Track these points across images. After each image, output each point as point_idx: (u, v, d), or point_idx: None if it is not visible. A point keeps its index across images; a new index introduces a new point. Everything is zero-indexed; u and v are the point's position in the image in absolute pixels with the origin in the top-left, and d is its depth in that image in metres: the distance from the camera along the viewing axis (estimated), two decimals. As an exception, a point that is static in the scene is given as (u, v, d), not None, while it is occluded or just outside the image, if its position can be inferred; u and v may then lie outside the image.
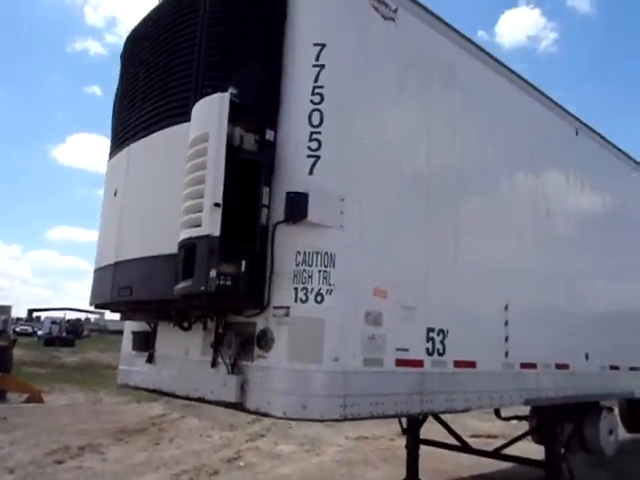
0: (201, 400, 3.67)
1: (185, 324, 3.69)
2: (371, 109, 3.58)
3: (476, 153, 4.48)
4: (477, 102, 4.54)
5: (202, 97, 3.33)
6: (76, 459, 7.40)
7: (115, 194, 4.02)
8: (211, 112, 3.11)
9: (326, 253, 3.18)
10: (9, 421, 9.98)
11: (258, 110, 3.39)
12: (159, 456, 7.76)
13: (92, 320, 79.32)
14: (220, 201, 2.95)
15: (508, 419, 6.99)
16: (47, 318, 47.29)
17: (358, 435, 10.14)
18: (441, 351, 3.78)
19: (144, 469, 6.99)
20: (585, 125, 6.08)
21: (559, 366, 5.03)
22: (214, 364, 3.46)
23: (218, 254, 2.92)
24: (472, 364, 4.05)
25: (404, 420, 6.87)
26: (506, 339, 4.43)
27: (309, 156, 3.30)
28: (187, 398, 3.79)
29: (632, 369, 6.29)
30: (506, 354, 4.41)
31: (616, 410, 11.99)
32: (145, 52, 4.04)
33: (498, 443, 6.68)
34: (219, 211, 2.94)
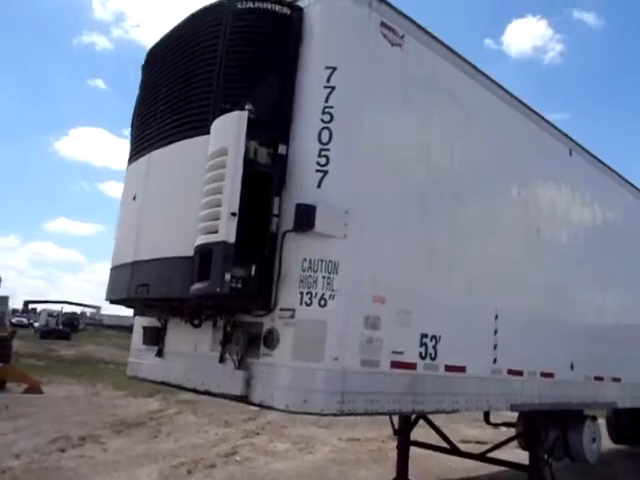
0: (207, 393, 3.94)
1: (196, 321, 3.96)
2: (376, 128, 3.85)
3: (472, 169, 4.76)
4: (475, 122, 4.82)
5: (221, 112, 3.62)
6: (78, 448, 7.66)
7: (134, 198, 4.30)
8: (230, 128, 3.39)
9: (330, 261, 3.46)
10: (10, 410, 10.23)
11: (272, 126, 3.67)
12: (157, 448, 8.02)
13: (88, 314, 79.38)
14: (236, 210, 3.23)
15: (497, 425, 7.24)
16: (44, 310, 47.44)
17: (351, 436, 10.40)
18: (433, 355, 4.05)
19: (143, 460, 7.25)
20: (579, 146, 6.37)
21: (544, 374, 5.30)
22: (222, 360, 3.73)
23: (233, 259, 3.20)
24: (462, 369, 4.32)
25: (396, 422, 7.15)
26: (495, 347, 4.69)
27: (318, 171, 3.58)
28: (194, 391, 4.07)
29: (615, 380, 6.56)
30: (494, 361, 4.68)
31: (603, 421, 12.34)
32: (167, 66, 4.31)
33: (486, 448, 6.92)
34: (235, 220, 3.22)
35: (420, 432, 7.30)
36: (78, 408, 11.15)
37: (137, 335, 4.86)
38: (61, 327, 43.70)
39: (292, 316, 3.42)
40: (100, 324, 72.45)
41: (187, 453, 7.80)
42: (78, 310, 65.34)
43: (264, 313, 3.53)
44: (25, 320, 54.69)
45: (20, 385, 13.21)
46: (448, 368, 4.18)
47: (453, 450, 6.94)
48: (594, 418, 6.58)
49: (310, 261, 3.47)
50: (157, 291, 3.85)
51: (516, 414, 6.52)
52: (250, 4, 3.88)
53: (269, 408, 3.48)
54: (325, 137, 3.62)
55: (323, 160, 3.58)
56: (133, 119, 4.84)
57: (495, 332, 4.72)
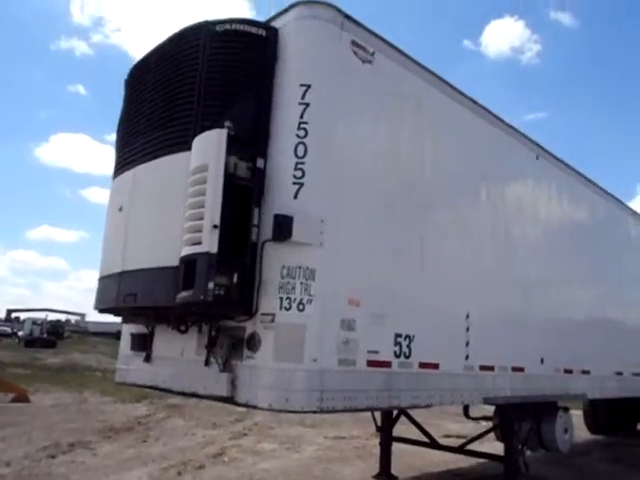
0: (194, 395, 4.15)
1: (182, 327, 4.17)
2: (348, 141, 4.10)
3: (441, 176, 5.03)
4: (443, 131, 5.11)
5: (202, 130, 3.84)
6: (68, 454, 7.78)
7: (120, 210, 4.49)
8: (210, 145, 3.62)
9: (307, 268, 3.70)
10: (-1, 419, 10.28)
11: (251, 141, 3.89)
12: (147, 452, 8.17)
13: (72, 322, 78.63)
14: (218, 223, 3.46)
15: (476, 419, 7.52)
16: (28, 319, 46.91)
17: (336, 435, 10.65)
18: (407, 354, 4.31)
19: (133, 464, 7.40)
20: (546, 151, 6.69)
21: (515, 369, 5.60)
22: (207, 363, 3.95)
23: (215, 268, 3.42)
24: (435, 366, 4.59)
25: (379, 419, 7.41)
26: (467, 344, 4.97)
27: (294, 183, 3.81)
28: (182, 393, 4.28)
29: (585, 372, 6.89)
30: (466, 357, 4.95)
31: (579, 413, 12.75)
32: (150, 83, 4.51)
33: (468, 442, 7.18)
34: (217, 231, 3.45)
35: (403, 428, 7.57)
36: (66, 415, 11.22)
37: (125, 342, 5.05)
38: (46, 335, 43.30)
39: (272, 320, 3.65)
40: (85, 331, 71.77)
41: (176, 455, 7.97)
42: (62, 318, 64.75)
43: (246, 318, 3.76)
44: (8, 329, 54.03)
45: (7, 394, 13.20)
46: (422, 365, 4.44)
47: (433, 444, 7.22)
48: (566, 409, 6.90)
49: (288, 268, 3.70)
50: (144, 300, 4.05)
51: (493, 407, 6.81)
52: (227, 26, 4.10)
53: (253, 407, 3.70)
54: (301, 151, 3.86)
55: (299, 173, 3.82)
56: (118, 133, 5.03)
57: (467, 330, 5.00)
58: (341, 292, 3.84)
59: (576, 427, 12.50)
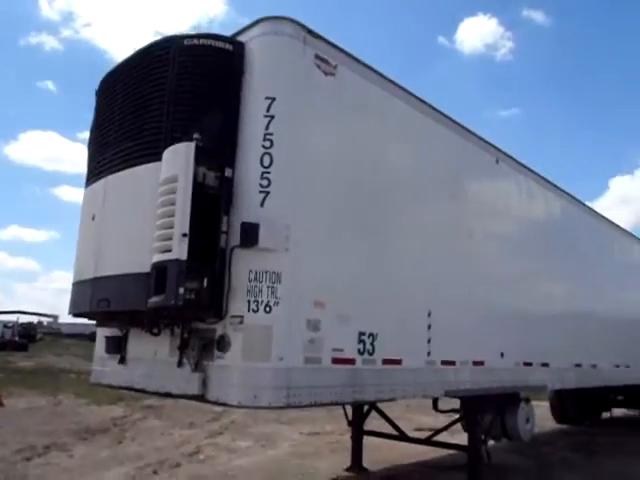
0: (168, 395, 4.33)
1: (155, 330, 4.34)
2: (312, 151, 4.32)
3: (404, 181, 5.28)
4: (404, 138, 5.38)
5: (171, 141, 4.01)
6: (43, 457, 7.84)
7: (93, 218, 4.63)
8: (179, 157, 3.80)
9: (274, 272, 3.91)
10: (-29, 424, 10.23)
11: (219, 152, 4.08)
12: (123, 452, 8.29)
13: (45, 323, 77.17)
14: (187, 231, 3.65)
15: (444, 412, 7.81)
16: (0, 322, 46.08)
17: (311, 431, 10.90)
18: (371, 351, 4.56)
19: (110, 464, 7.52)
20: (506, 154, 7.02)
21: (476, 363, 5.90)
22: (180, 364, 4.13)
23: (185, 274, 3.61)
24: (398, 362, 4.85)
25: (350, 414, 7.67)
26: (429, 341, 5.25)
27: (260, 191, 4.02)
28: (156, 393, 4.45)
29: (544, 365, 7.25)
30: (428, 353, 5.23)
31: (547, 404, 13.23)
32: (120, 95, 4.66)
33: (438, 435, 7.47)
34: (186, 240, 3.64)
35: (379, 423, 7.84)
36: (41, 418, 11.21)
37: (100, 344, 5.19)
38: (17, 338, 42.59)
39: (241, 322, 3.86)
40: (58, 333, 70.58)
41: (152, 455, 8.10)
42: (34, 320, 63.56)
43: (216, 320, 3.95)
44: (-23, 332, 52.82)
45: (-21, 399, 13.11)
46: (385, 362, 4.69)
47: (402, 437, 7.51)
48: (528, 400, 7.24)
49: (256, 272, 3.91)
50: (117, 304, 4.21)
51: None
52: (195, 41, 4.28)
53: (224, 405, 3.92)
54: (267, 161, 4.07)
55: (265, 182, 4.03)
56: (89, 142, 5.16)
57: (429, 327, 5.27)
58: (306, 294, 4.06)
59: (543, 417, 13.08)
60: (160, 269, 3.74)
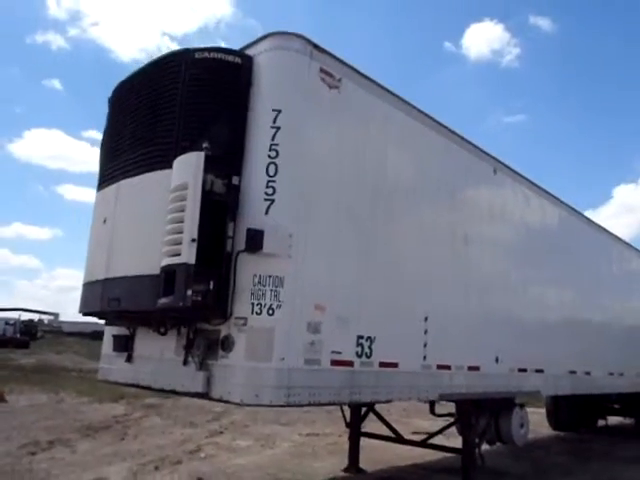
0: (173, 392, 4.52)
1: (162, 330, 4.54)
2: (316, 161, 4.52)
3: (404, 190, 5.46)
4: (405, 148, 5.57)
5: (181, 150, 4.21)
6: (48, 451, 8.04)
7: (105, 222, 4.83)
8: (189, 166, 4.00)
9: (277, 276, 4.10)
10: (-24, 419, 10.43)
11: (226, 160, 4.28)
12: (125, 449, 8.47)
13: (46, 321, 77.43)
14: (196, 237, 3.85)
15: (441, 415, 7.98)
16: (1, 319, 46.33)
17: (310, 432, 11.06)
18: (369, 354, 4.74)
19: (112, 460, 7.70)
20: (504, 165, 7.21)
21: (471, 368, 6.07)
22: (185, 362, 4.32)
23: (193, 277, 3.81)
24: (395, 365, 5.03)
25: (348, 416, 7.85)
26: (425, 345, 5.42)
27: (266, 199, 4.22)
28: (162, 390, 4.64)
29: (538, 371, 7.42)
30: (424, 357, 5.40)
31: (543, 411, 13.36)
32: (133, 104, 4.86)
33: (435, 438, 7.63)
34: (194, 244, 3.84)
35: (377, 426, 8.01)
36: (44, 415, 11.40)
37: (107, 342, 5.38)
38: (19, 335, 42.85)
39: (245, 324, 4.05)
40: (59, 331, 70.80)
41: (154, 452, 8.28)
42: (36, 317, 63.81)
43: (221, 321, 4.15)
44: (-20, 329, 53.05)
45: (-18, 395, 13.29)
46: (382, 364, 4.87)
47: (398, 439, 7.68)
48: (522, 406, 7.41)
49: (260, 277, 4.10)
50: (127, 304, 4.41)
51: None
52: (206, 54, 4.49)
53: (227, 402, 4.10)
54: (272, 170, 4.26)
55: (270, 190, 4.23)
56: (101, 148, 5.36)
57: (425, 332, 5.45)
58: (308, 298, 4.25)
59: (539, 424, 13.22)
60: (169, 272, 3.93)
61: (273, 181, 4.24)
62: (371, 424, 8.18)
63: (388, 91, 5.36)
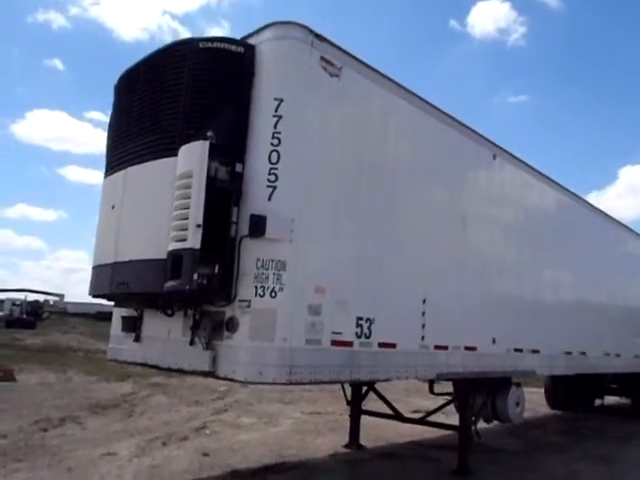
0: (180, 371, 4.73)
1: (169, 312, 4.73)
2: (317, 148, 4.64)
3: (402, 174, 5.59)
4: (405, 136, 5.69)
5: (186, 138, 4.35)
6: (59, 428, 8.32)
7: (113, 207, 5.00)
8: (194, 154, 4.14)
9: (279, 260, 4.27)
10: (-12, 397, 10.73)
11: (230, 148, 4.42)
12: (133, 426, 8.76)
13: (51, 302, 78.16)
14: (201, 222, 4.01)
15: (439, 394, 8.19)
16: (8, 300, 46.91)
17: (313, 411, 11.35)
18: (368, 335, 4.92)
19: (121, 436, 7.98)
20: (504, 150, 7.32)
21: (468, 348, 6.26)
22: (192, 343, 4.52)
23: (199, 261, 3.98)
24: (393, 345, 5.21)
25: (349, 393, 8.09)
26: (423, 326, 5.60)
27: (268, 186, 4.36)
28: (169, 369, 4.85)
29: (534, 352, 7.62)
30: (422, 338, 5.59)
31: (542, 390, 13.62)
32: (138, 92, 4.98)
33: (435, 417, 7.85)
34: (200, 230, 4.00)
35: (379, 405, 8.25)
36: (53, 393, 11.71)
37: (116, 323, 5.59)
38: (25, 316, 43.42)
39: (249, 306, 4.23)
40: (64, 312, 71.52)
41: (161, 429, 8.57)
42: (41, 298, 64.43)
43: (226, 304, 4.33)
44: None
45: (-7, 373, 13.61)
46: (381, 345, 5.06)
47: (397, 416, 7.92)
48: (518, 385, 7.62)
49: (263, 261, 4.27)
50: (135, 287, 4.59)
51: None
52: (210, 44, 4.60)
53: (232, 380, 4.31)
54: (274, 158, 4.40)
55: (273, 177, 4.37)
56: (108, 135, 5.50)
57: (423, 314, 5.62)
58: (309, 281, 4.42)
59: (538, 403, 13.50)
60: (176, 256, 4.10)
61: (275, 168, 4.38)
62: (372, 403, 8.43)
63: (388, 79, 5.45)
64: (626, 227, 11.87)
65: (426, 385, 8.16)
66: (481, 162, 6.89)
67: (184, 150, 4.28)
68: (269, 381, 4.18)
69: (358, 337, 4.84)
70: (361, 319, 4.88)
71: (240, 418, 9.99)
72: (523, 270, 7.59)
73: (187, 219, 4.07)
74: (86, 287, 5.43)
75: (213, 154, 4.22)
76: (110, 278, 4.82)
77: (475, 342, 6.42)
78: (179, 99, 4.58)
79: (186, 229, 4.06)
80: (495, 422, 7.70)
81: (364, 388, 8.07)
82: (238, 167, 4.42)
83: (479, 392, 7.09)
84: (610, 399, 14.57)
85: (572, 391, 13.55)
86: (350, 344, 4.75)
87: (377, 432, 8.95)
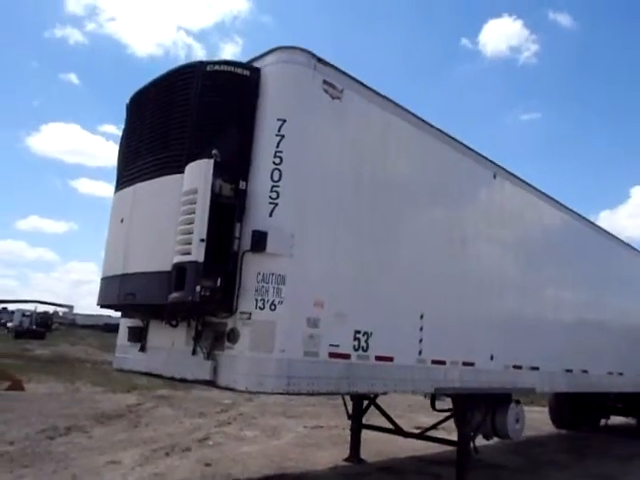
0: (183, 380, 4.89)
1: (173, 322, 4.90)
2: (317, 167, 4.84)
3: (401, 194, 5.74)
4: (405, 156, 5.87)
5: (193, 156, 4.56)
6: (65, 436, 8.49)
7: (122, 221, 5.21)
8: (200, 173, 4.35)
9: (279, 274, 4.44)
10: (-3, 405, 10.93)
11: (234, 166, 4.61)
12: (138, 436, 8.89)
13: (60, 313, 78.80)
14: (205, 237, 4.20)
15: (441, 411, 8.26)
16: (18, 310, 47.41)
17: (315, 425, 11.43)
18: (365, 348, 5.06)
19: (126, 445, 8.12)
20: (504, 170, 7.47)
21: (466, 363, 6.36)
22: (194, 352, 4.68)
23: (202, 274, 4.16)
24: (390, 359, 5.34)
25: (350, 408, 8.19)
26: (420, 341, 5.72)
27: (270, 203, 4.55)
28: (172, 378, 5.01)
29: (534, 369, 7.69)
30: (420, 352, 5.71)
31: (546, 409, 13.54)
32: (149, 111, 5.23)
33: (437, 433, 7.92)
34: (204, 244, 4.19)
35: (379, 420, 8.32)
36: (61, 403, 11.89)
37: (123, 333, 5.77)
38: (35, 327, 43.84)
39: (249, 318, 4.40)
40: (73, 323, 72.04)
41: (165, 439, 8.70)
42: (51, 309, 65.02)
43: (228, 315, 4.49)
44: (-3, 320, 54.30)
45: (2, 383, 13.83)
46: (378, 358, 5.19)
47: (398, 431, 8.00)
48: (518, 402, 7.67)
49: (263, 275, 4.44)
50: (142, 298, 4.78)
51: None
52: (217, 67, 4.83)
53: (232, 390, 4.46)
54: (276, 176, 4.60)
55: (274, 195, 4.56)
56: (119, 151, 5.74)
57: (420, 329, 5.75)
58: (308, 295, 4.58)
59: (543, 422, 13.45)
60: (180, 269, 4.29)
61: (277, 186, 4.57)
62: (374, 418, 8.49)
63: (388, 100, 5.65)
64: (628, 245, 11.92)
65: (429, 402, 8.23)
66: (481, 181, 7.05)
67: (190, 168, 4.49)
68: (268, 391, 4.33)
69: (355, 350, 4.97)
70: (359, 332, 5.02)
71: (243, 431, 10.09)
72: (523, 288, 7.69)
73: (192, 233, 4.26)
74: (95, 299, 5.65)
75: (218, 172, 4.43)
76: (118, 289, 5.02)
77: (473, 358, 6.52)
78: (187, 119, 4.81)
79: (190, 243, 4.25)
80: (498, 439, 7.77)
81: (365, 402, 8.17)
82: (242, 184, 4.62)
83: (478, 408, 7.15)
84: (616, 419, 14.49)
85: (577, 410, 13.49)
86: (348, 357, 4.89)
87: (378, 447, 9.02)
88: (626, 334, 10.94)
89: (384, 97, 5.62)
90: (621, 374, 10.45)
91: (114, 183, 5.73)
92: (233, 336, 4.45)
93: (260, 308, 4.39)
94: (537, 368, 7.76)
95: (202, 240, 4.20)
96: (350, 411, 8.20)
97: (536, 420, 13.50)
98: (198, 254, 4.19)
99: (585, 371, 9.05)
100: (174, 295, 4.32)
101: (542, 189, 8.43)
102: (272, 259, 4.46)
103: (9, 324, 46.61)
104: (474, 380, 6.52)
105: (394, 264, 5.53)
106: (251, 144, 4.73)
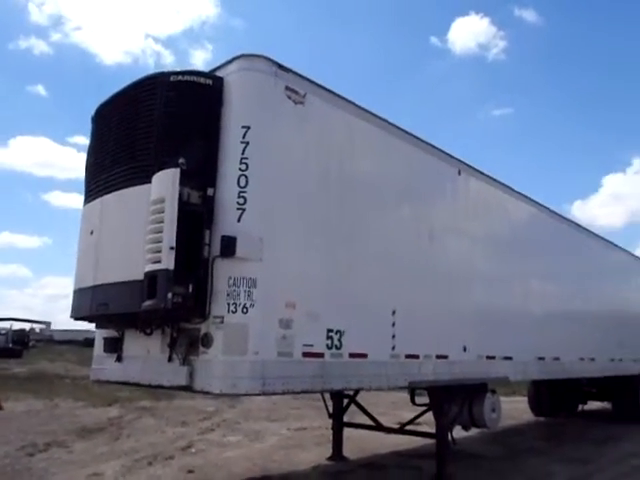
0: (160, 386, 4.95)
1: (148, 330, 4.95)
2: (283, 171, 4.94)
3: (367, 193, 5.86)
4: (369, 156, 6.01)
5: (160, 166, 4.63)
6: (45, 452, 8.41)
7: (91, 233, 5.25)
8: (166, 181, 4.42)
9: (250, 278, 4.53)
10: (-26, 425, 10.74)
11: (201, 173, 4.70)
12: (119, 448, 8.86)
13: (37, 330, 77.22)
14: (174, 245, 4.27)
15: (420, 405, 8.41)
16: (-6, 329, 46.36)
17: (299, 426, 11.51)
18: (338, 346, 5.17)
19: (108, 457, 8.10)
20: (469, 166, 7.68)
21: (439, 356, 6.53)
22: (170, 359, 4.73)
23: (173, 281, 4.23)
24: (364, 355, 5.47)
25: (330, 407, 8.30)
26: (393, 336, 5.86)
27: (238, 208, 4.64)
28: (149, 386, 5.06)
29: (507, 358, 7.90)
30: (393, 347, 5.84)
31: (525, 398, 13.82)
32: (114, 123, 5.28)
33: (420, 428, 8.10)
34: (173, 252, 4.26)
35: (362, 418, 8.44)
36: (40, 420, 11.73)
37: (99, 344, 5.78)
38: (11, 345, 42.91)
39: (222, 322, 4.48)
40: (51, 340, 70.66)
41: (147, 449, 8.68)
42: (27, 327, 63.67)
43: (201, 320, 4.57)
44: (-28, 340, 52.94)
45: (-20, 402, 13.58)
46: (352, 355, 5.31)
47: (378, 427, 8.14)
48: (494, 391, 7.86)
49: (234, 279, 4.53)
50: (115, 308, 4.83)
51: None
52: (180, 77, 4.91)
53: (207, 393, 4.53)
54: (243, 182, 4.69)
55: (242, 200, 4.65)
56: (87, 163, 5.77)
57: (393, 324, 5.89)
58: (279, 297, 4.68)
59: (522, 411, 13.75)
60: (151, 277, 4.35)
61: (244, 191, 4.67)
62: (359, 416, 8.57)
63: (350, 102, 5.79)
64: (595, 235, 12.29)
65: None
66: (446, 177, 7.23)
67: (157, 177, 4.56)
68: (242, 392, 4.42)
69: (329, 348, 5.09)
70: (331, 331, 5.14)
71: (226, 437, 10.12)
72: (492, 280, 7.91)
73: (161, 242, 4.33)
74: (71, 313, 5.64)
75: (185, 180, 4.51)
76: (90, 300, 5.05)
77: (446, 350, 6.69)
78: (152, 129, 4.87)
79: (160, 251, 4.31)
80: (477, 430, 7.95)
81: (345, 401, 8.28)
82: (209, 191, 4.70)
83: (454, 400, 7.32)
84: (593, 405, 14.89)
85: (555, 397, 13.84)
86: (321, 355, 5.00)
87: (361, 444, 9.15)
88: (597, 322, 11.26)
89: (347, 100, 5.76)
90: (593, 359, 10.76)
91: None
92: (207, 340, 4.52)
93: (232, 312, 4.47)
94: (510, 357, 7.98)
95: (172, 248, 4.27)
96: (331, 410, 8.31)
97: (517, 410, 13.81)
98: (168, 262, 4.26)
99: (557, 358, 9.31)
100: (147, 303, 4.38)
101: (513, 183, 8.75)
102: (242, 263, 4.55)
103: (-16, 343, 45.50)
104: (448, 372, 6.69)
105: (364, 262, 5.66)
106: (217, 151, 4.82)
